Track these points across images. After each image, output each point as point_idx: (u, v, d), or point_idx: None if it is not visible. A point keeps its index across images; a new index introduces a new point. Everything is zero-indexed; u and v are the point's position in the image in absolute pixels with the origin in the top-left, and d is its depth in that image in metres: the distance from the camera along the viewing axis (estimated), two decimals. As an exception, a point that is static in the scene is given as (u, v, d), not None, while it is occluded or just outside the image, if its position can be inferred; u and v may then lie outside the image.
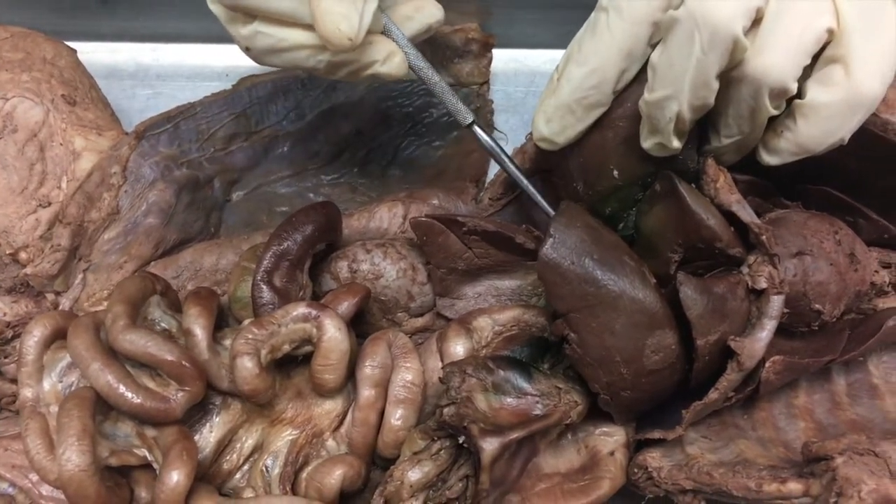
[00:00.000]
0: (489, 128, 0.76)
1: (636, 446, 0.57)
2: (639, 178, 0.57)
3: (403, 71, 0.57)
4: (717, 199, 0.54)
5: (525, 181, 0.60)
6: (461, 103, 0.59)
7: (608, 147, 0.57)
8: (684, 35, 0.48)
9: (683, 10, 0.48)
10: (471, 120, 0.59)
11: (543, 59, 0.80)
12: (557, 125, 0.56)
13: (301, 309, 0.53)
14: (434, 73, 0.58)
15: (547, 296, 0.51)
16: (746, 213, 0.53)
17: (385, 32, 0.56)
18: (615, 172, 0.57)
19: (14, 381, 0.62)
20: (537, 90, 0.79)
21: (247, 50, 0.56)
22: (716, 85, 0.50)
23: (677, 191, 0.53)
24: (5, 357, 0.62)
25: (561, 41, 0.78)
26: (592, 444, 0.56)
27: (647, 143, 0.54)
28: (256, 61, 0.57)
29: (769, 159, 0.54)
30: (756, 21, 0.49)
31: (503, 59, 0.79)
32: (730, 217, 0.53)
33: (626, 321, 0.51)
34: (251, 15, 0.54)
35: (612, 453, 0.55)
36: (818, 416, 0.57)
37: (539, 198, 0.59)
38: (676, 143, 0.53)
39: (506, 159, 0.60)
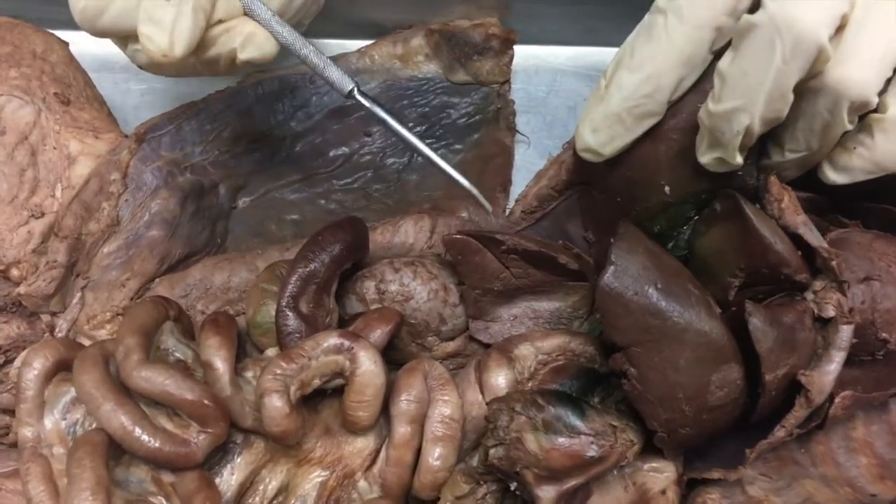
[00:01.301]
0: (511, 130, 0.71)
1: (687, 482, 0.53)
2: (691, 195, 0.53)
3: (269, 50, 0.52)
4: (781, 220, 0.50)
5: (430, 152, 0.56)
6: (340, 72, 0.55)
7: (659, 161, 0.52)
8: (763, 42, 0.44)
9: (763, 15, 0.44)
10: (351, 87, 0.55)
11: (566, 56, 0.75)
12: (605, 135, 0.52)
13: (333, 339, 0.48)
14: (304, 45, 0.53)
15: (605, 328, 0.47)
16: (814, 237, 0.49)
17: (247, 13, 0.52)
18: (666, 188, 0.53)
19: (7, 411, 0.57)
20: (559, 89, 0.75)
21: (140, 67, 0.53)
22: (792, 97, 0.46)
23: (743, 212, 0.49)
24: (-3, 385, 0.57)
25: (585, 38, 0.75)
26: (641, 480, 0.52)
27: (705, 158, 0.50)
28: (153, 73, 0.53)
29: (837, 178, 0.50)
30: (839, 28, 0.45)
31: (523, 55, 0.74)
32: (794, 239, 0.49)
33: (691, 356, 0.47)
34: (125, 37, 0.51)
35: (663, 492, 0.52)
36: (879, 450, 0.54)
37: (457, 174, 0.56)
38: (739, 160, 0.49)
39: (400, 128, 0.56)
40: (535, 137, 0.73)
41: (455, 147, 0.70)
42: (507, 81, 0.72)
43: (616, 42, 0.74)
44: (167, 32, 0.47)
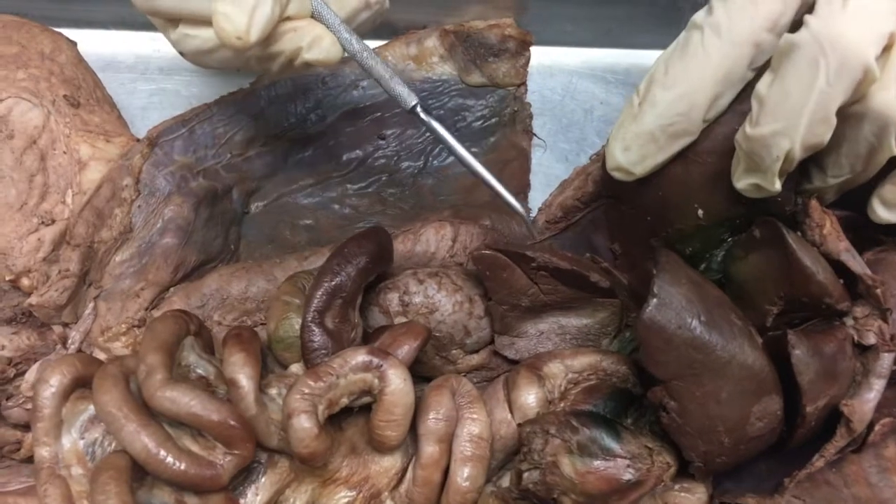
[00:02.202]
0: (528, 133, 0.70)
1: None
2: (726, 220, 0.52)
3: (335, 55, 0.52)
4: (823, 246, 0.49)
5: (487, 174, 0.56)
6: (404, 86, 0.55)
7: (692, 184, 0.51)
8: (805, 62, 0.43)
9: (806, 34, 0.43)
10: (414, 103, 0.55)
11: (582, 58, 0.74)
12: (636, 154, 0.50)
13: (361, 357, 0.47)
14: (371, 56, 0.53)
15: (645, 361, 0.46)
16: (857, 264, 0.48)
17: (315, 16, 0.52)
18: (700, 212, 0.52)
19: (18, 426, 0.55)
20: (575, 92, 0.74)
21: (182, 54, 0.52)
22: (835, 121, 0.44)
23: (784, 240, 0.47)
24: (7, 398, 0.55)
25: (601, 40, 0.74)
26: (672, 501, 0.51)
27: (741, 183, 0.48)
28: (194, 63, 0.53)
29: (890, 216, 0.49)
30: (885, 48, 0.43)
31: (538, 57, 0.72)
32: (835, 265, 0.48)
33: (734, 388, 0.45)
34: (176, 19, 0.50)
35: (694, 512, 0.51)
36: (911, 469, 0.53)
37: (507, 195, 0.56)
38: (777, 186, 0.47)
39: (458, 147, 0.55)
40: (550, 140, 0.72)
41: (471, 150, 0.68)
42: (524, 84, 0.70)
43: (632, 44, 0.74)
44: (247, 14, 0.46)
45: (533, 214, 0.64)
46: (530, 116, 0.70)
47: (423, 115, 0.55)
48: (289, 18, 0.50)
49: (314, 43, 0.50)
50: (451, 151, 0.55)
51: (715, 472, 0.49)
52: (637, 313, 0.45)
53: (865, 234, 0.54)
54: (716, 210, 0.51)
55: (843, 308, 0.48)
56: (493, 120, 0.70)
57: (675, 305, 0.45)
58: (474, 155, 0.68)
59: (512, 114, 0.70)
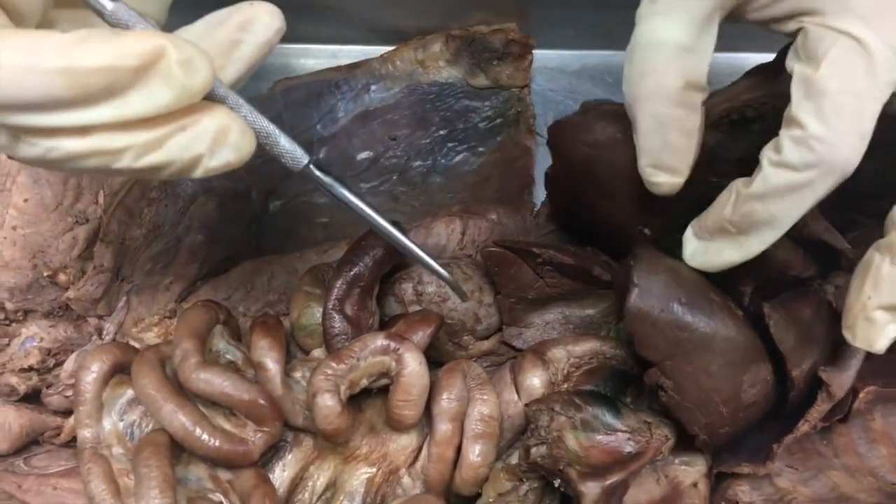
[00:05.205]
0: (532, 132, 0.73)
1: (717, 475, 0.55)
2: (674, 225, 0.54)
3: (249, 148, 0.40)
4: (805, 228, 0.52)
5: (408, 242, 0.50)
6: (294, 143, 0.46)
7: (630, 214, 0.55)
8: None
9: None
10: (306, 161, 0.46)
11: (583, 60, 0.78)
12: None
13: (380, 341, 0.50)
14: (267, 122, 0.45)
15: (637, 347, 0.49)
16: (838, 241, 0.51)
17: (210, 96, 0.39)
18: (646, 230, 0.55)
19: (58, 412, 0.58)
20: (576, 93, 0.77)
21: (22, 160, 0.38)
22: None
23: None
24: (48, 387, 0.58)
25: (601, 42, 0.77)
26: (672, 473, 0.54)
27: None
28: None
29: None
30: None
31: (540, 59, 0.75)
32: (818, 244, 0.52)
33: (722, 361, 0.49)
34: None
35: (694, 484, 0.54)
36: (898, 441, 0.56)
37: (432, 262, 0.51)
38: None
39: (362, 205, 0.48)
40: (552, 141, 0.75)
41: (478, 150, 0.72)
42: (527, 85, 0.73)
43: (631, 46, 0.77)
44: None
45: (537, 208, 0.67)
46: (534, 116, 0.73)
47: (318, 174, 0.47)
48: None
49: (219, 141, 0.38)
50: (355, 209, 0.48)
51: (720, 443, 0.52)
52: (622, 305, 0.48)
53: (845, 215, 0.58)
54: (659, 223, 0.54)
55: (811, 274, 0.51)
56: (498, 120, 0.73)
57: (655, 292, 0.48)
58: (480, 154, 0.72)
59: (516, 114, 0.73)
